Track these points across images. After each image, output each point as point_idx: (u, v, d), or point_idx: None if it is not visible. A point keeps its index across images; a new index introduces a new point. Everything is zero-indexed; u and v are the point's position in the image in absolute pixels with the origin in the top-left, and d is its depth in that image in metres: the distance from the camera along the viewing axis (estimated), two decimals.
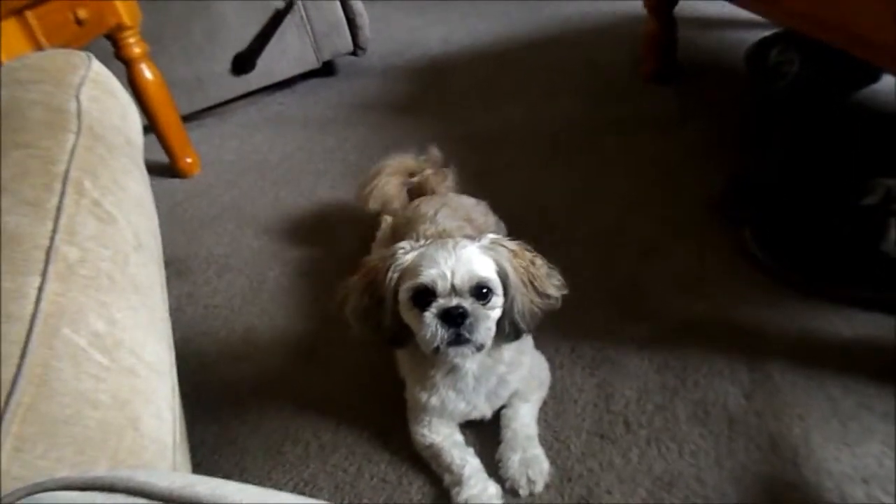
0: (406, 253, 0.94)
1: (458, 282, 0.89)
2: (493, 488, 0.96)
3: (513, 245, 0.96)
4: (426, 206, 1.24)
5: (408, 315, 0.92)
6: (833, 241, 1.18)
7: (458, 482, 0.96)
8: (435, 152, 1.46)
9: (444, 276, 0.88)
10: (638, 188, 1.52)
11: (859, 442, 0.95)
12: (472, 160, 1.70)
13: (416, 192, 1.39)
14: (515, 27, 2.47)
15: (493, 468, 0.99)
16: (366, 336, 1.00)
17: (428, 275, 0.89)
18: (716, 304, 1.20)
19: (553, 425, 1.05)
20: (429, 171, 1.40)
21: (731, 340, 1.12)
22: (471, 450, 1.01)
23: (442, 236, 1.14)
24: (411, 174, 1.41)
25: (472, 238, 0.96)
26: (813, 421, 0.98)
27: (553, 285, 0.97)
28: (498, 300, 0.92)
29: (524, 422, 1.02)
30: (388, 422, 1.09)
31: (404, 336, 0.95)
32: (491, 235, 0.97)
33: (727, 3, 1.56)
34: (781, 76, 1.63)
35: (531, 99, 1.98)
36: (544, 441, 1.02)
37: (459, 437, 1.03)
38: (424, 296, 0.89)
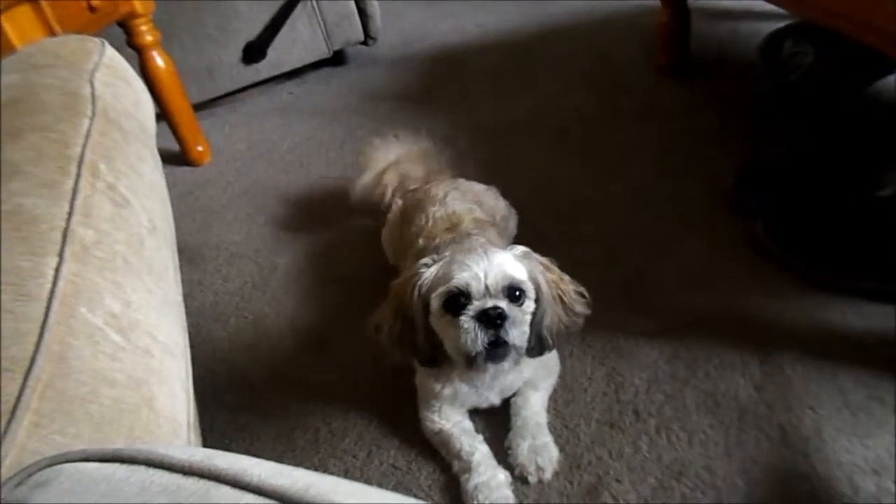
0: (429, 267, 0.92)
1: (491, 282, 0.87)
2: (502, 475, 0.96)
3: (543, 259, 0.95)
4: (436, 188, 1.24)
5: (441, 325, 0.90)
6: (845, 233, 1.17)
7: (468, 469, 0.97)
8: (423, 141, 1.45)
9: (477, 278, 0.87)
10: (649, 180, 1.51)
11: (870, 433, 0.94)
12: (482, 151, 1.70)
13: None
14: (526, 18, 2.45)
15: (502, 455, 0.99)
16: (404, 360, 0.98)
17: (461, 277, 0.87)
18: (727, 296, 1.19)
19: (563, 413, 1.05)
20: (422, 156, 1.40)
21: (741, 332, 1.12)
22: (480, 437, 1.02)
23: (451, 218, 1.15)
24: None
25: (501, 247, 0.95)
26: (824, 412, 0.98)
27: (580, 304, 0.96)
28: (530, 305, 0.90)
29: (534, 409, 1.02)
30: (398, 408, 1.10)
31: (440, 354, 0.93)
32: (522, 247, 0.95)
33: None
34: (796, 68, 1.62)
35: (541, 90, 1.97)
36: (554, 429, 1.02)
37: (469, 424, 1.03)
38: (457, 301, 0.87)
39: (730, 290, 1.20)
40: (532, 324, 0.90)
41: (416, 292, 0.91)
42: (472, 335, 0.85)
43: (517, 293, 0.89)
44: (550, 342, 0.93)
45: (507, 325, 0.85)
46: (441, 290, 0.88)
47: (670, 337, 1.14)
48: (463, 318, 0.86)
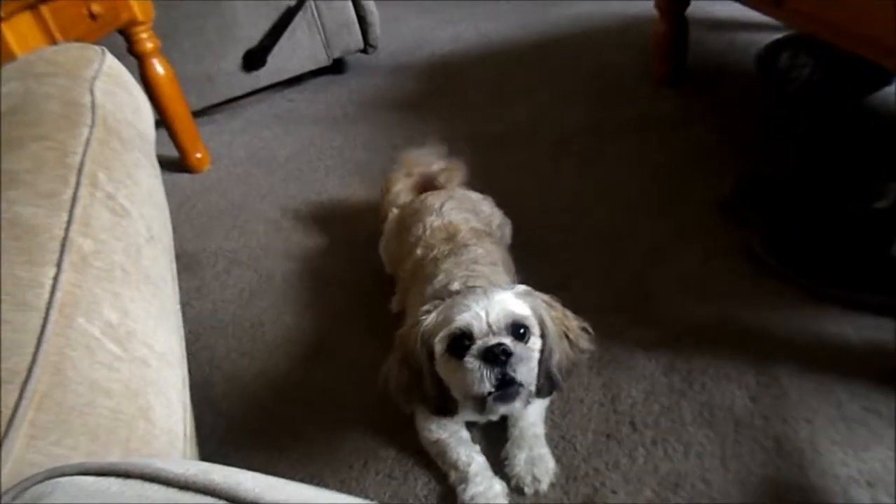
0: (430, 313, 0.91)
1: (493, 321, 0.86)
2: (498, 486, 0.96)
3: (545, 296, 0.94)
4: (433, 198, 1.25)
5: (446, 370, 0.89)
6: (842, 245, 1.17)
7: (464, 479, 0.96)
8: (440, 150, 1.45)
9: (478, 317, 0.86)
10: (645, 190, 1.52)
11: (865, 446, 0.94)
12: (480, 160, 1.70)
13: (426, 187, 1.39)
14: (525, 27, 2.47)
15: (499, 466, 0.99)
16: (415, 408, 0.98)
17: (462, 319, 0.86)
18: (723, 307, 1.19)
19: (559, 424, 1.06)
20: (437, 167, 1.40)
21: (737, 343, 1.12)
22: (476, 447, 1.02)
23: (448, 228, 1.15)
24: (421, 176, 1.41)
25: (502, 286, 0.95)
26: (819, 424, 0.98)
27: (584, 339, 0.95)
28: (536, 342, 0.89)
29: (531, 420, 1.02)
30: (394, 418, 1.09)
31: (449, 401, 0.92)
32: (523, 286, 0.94)
33: (739, 5, 1.55)
34: (792, 79, 1.63)
35: (539, 99, 1.98)
36: (550, 440, 1.03)
37: (466, 435, 1.03)
38: (461, 342, 0.86)
39: (727, 301, 1.20)
40: (540, 362, 0.89)
41: (419, 340, 0.90)
42: (478, 375, 0.83)
43: (521, 330, 0.87)
44: (560, 380, 0.92)
45: (513, 362, 0.83)
46: (443, 333, 0.87)
47: (667, 348, 1.14)
48: (467, 358, 0.84)
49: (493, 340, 0.84)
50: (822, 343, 1.10)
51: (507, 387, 0.84)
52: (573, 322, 0.95)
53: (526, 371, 0.85)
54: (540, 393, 0.92)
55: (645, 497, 0.93)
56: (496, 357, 0.83)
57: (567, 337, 0.93)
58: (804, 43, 1.63)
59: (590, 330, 0.97)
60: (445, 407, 0.93)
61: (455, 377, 0.88)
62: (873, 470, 0.91)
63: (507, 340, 0.85)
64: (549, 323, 0.90)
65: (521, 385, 0.85)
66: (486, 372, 0.83)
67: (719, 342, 1.13)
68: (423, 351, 0.90)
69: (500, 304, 0.87)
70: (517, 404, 0.88)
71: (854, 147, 1.45)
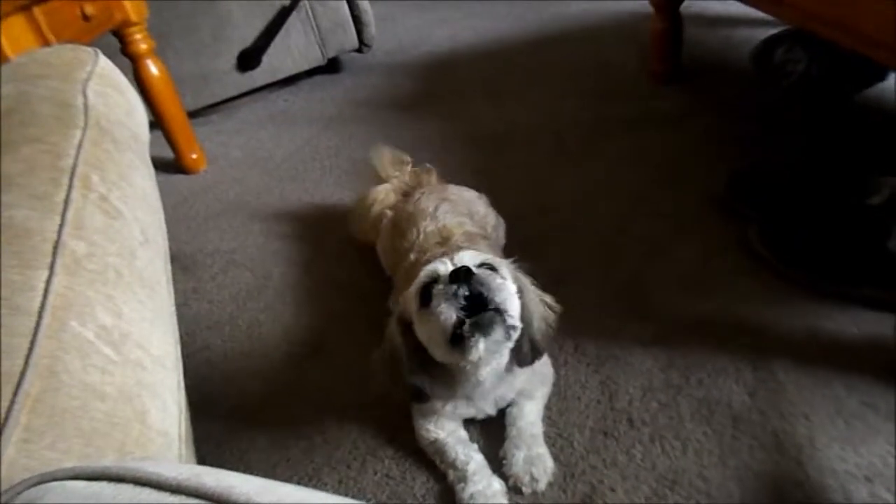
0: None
1: (458, 261, 0.87)
2: (497, 484, 0.96)
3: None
4: (426, 200, 1.24)
5: (421, 325, 0.88)
6: (838, 240, 1.17)
7: (463, 478, 0.96)
8: (405, 158, 1.44)
9: (444, 263, 0.87)
10: (643, 187, 1.52)
11: (864, 441, 0.94)
12: (477, 158, 1.71)
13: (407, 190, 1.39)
14: (521, 25, 2.47)
15: (497, 465, 0.99)
16: (402, 393, 0.96)
17: (428, 269, 0.88)
18: (720, 302, 1.19)
19: (557, 422, 1.05)
20: (410, 169, 1.40)
21: (735, 339, 1.12)
22: (475, 446, 1.02)
23: (442, 233, 1.15)
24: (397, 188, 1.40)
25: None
26: (817, 420, 0.98)
27: (553, 302, 0.96)
28: (511, 286, 0.87)
29: (529, 420, 1.02)
30: (393, 418, 1.09)
31: (429, 383, 0.92)
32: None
33: (734, 1, 1.55)
34: (788, 75, 1.63)
35: (536, 97, 1.97)
36: (548, 438, 1.02)
37: (464, 434, 1.03)
38: (430, 291, 0.86)
39: (724, 297, 1.20)
40: (522, 329, 0.88)
41: (396, 319, 0.92)
42: (446, 296, 0.81)
43: (490, 269, 0.87)
44: (542, 344, 0.92)
45: (478, 281, 0.82)
46: (413, 290, 0.88)
47: (665, 344, 1.14)
48: (435, 290, 0.83)
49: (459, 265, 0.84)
50: (819, 338, 1.10)
51: (480, 312, 0.82)
52: (541, 291, 0.96)
53: (501, 299, 0.83)
54: (524, 361, 0.92)
55: (643, 494, 0.93)
56: (459, 276, 0.82)
57: (543, 301, 0.94)
58: (800, 39, 1.64)
59: (555, 301, 0.97)
60: (423, 392, 0.92)
61: (429, 327, 0.85)
62: (872, 465, 0.91)
63: (473, 268, 0.84)
64: (527, 285, 0.90)
65: (496, 311, 0.82)
66: (451, 289, 0.81)
67: (717, 338, 1.13)
68: (398, 328, 0.90)
69: (467, 253, 0.89)
70: (497, 335, 0.83)
71: (850, 142, 1.45)
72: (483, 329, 0.82)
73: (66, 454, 0.50)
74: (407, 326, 0.91)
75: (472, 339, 0.82)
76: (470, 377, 0.94)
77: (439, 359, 0.89)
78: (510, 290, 0.86)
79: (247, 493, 0.33)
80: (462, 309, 0.82)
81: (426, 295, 0.86)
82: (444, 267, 0.86)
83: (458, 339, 0.83)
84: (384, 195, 1.39)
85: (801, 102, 1.62)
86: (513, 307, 0.85)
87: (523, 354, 0.92)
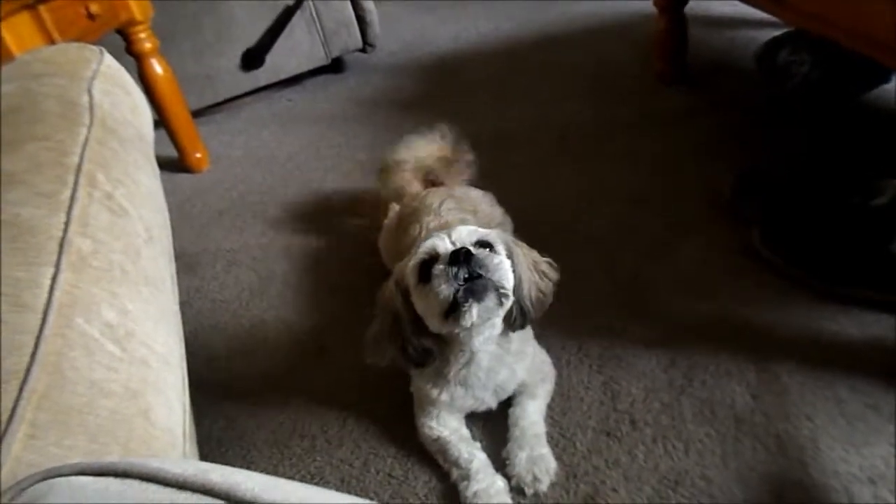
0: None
1: (456, 239, 0.89)
2: (500, 483, 0.96)
3: (511, 236, 0.97)
4: (432, 197, 1.24)
5: (419, 298, 0.90)
6: (841, 242, 1.17)
7: (466, 476, 0.96)
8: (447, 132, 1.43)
9: (442, 239, 0.89)
10: (646, 187, 1.52)
11: (867, 443, 0.94)
12: (480, 158, 1.70)
13: (432, 180, 1.39)
14: (525, 26, 2.46)
15: (500, 465, 0.99)
16: (398, 364, 0.97)
17: (426, 244, 0.89)
18: (723, 304, 1.19)
19: (559, 422, 1.05)
20: (447, 156, 1.39)
21: (738, 340, 1.12)
22: (478, 444, 1.02)
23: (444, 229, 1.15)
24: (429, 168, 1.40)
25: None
26: (820, 421, 0.98)
27: (551, 270, 0.97)
28: (504, 260, 0.89)
29: (532, 419, 1.02)
30: (395, 417, 1.10)
31: (429, 350, 0.93)
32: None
33: (738, 3, 1.55)
34: (791, 76, 1.63)
35: (539, 97, 1.97)
36: (550, 438, 1.02)
37: (466, 432, 1.03)
38: (429, 268, 0.87)
39: (727, 298, 1.20)
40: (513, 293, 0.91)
41: (394, 285, 0.93)
42: (445, 276, 0.85)
43: (487, 248, 0.89)
44: (531, 311, 0.93)
45: (476, 261, 0.85)
46: (412, 263, 0.90)
47: (667, 345, 1.14)
48: (435, 269, 0.86)
49: (458, 246, 0.87)
50: (822, 339, 1.10)
51: (475, 281, 0.85)
52: (536, 255, 0.97)
53: (498, 275, 0.86)
54: (513, 325, 0.94)
55: (645, 495, 0.93)
56: (457, 258, 0.85)
57: (535, 269, 0.95)
58: (803, 40, 1.63)
59: (554, 264, 0.98)
60: (425, 358, 0.94)
61: (427, 301, 0.88)
62: (874, 466, 0.91)
63: (472, 248, 0.87)
64: (517, 252, 0.92)
65: (489, 280, 0.86)
66: (451, 270, 0.85)
67: (719, 339, 1.13)
68: (399, 295, 0.92)
69: (464, 229, 0.91)
70: (489, 302, 0.86)
71: (853, 144, 1.45)
72: (476, 294, 0.86)
73: (72, 450, 0.50)
74: (405, 294, 0.92)
75: (466, 305, 0.85)
76: (465, 347, 0.95)
77: (434, 329, 0.91)
78: (506, 266, 0.89)
79: (252, 490, 0.33)
80: (460, 286, 0.85)
81: (425, 272, 0.88)
82: (444, 244, 0.88)
83: (453, 308, 0.86)
84: (427, 152, 1.39)
85: (804, 104, 1.61)
86: (507, 280, 0.88)
87: (513, 321, 0.94)
